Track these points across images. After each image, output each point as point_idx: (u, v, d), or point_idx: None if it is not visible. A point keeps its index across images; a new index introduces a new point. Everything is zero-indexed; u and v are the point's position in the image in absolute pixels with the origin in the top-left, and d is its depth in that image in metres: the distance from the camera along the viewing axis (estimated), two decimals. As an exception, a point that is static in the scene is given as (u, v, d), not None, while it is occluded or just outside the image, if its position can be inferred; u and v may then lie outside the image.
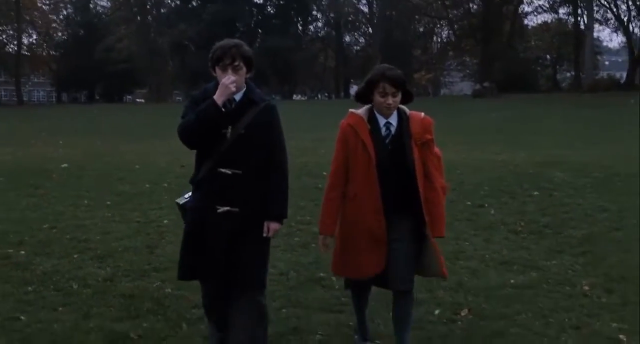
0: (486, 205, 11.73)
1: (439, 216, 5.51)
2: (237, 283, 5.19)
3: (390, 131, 5.50)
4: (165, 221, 10.39)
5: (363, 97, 5.56)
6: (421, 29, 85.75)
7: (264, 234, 5.24)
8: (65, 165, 17.39)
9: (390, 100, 5.39)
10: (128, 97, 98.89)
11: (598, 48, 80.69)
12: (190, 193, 5.43)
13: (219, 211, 5.08)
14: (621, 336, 5.97)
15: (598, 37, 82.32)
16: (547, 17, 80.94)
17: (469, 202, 11.73)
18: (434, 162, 5.57)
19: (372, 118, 5.51)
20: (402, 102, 5.52)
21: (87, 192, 13.41)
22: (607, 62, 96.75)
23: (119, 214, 11.32)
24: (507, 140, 22.79)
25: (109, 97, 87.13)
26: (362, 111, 5.56)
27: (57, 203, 12.34)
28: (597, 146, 20.32)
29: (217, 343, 5.47)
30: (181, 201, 5.54)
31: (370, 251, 5.39)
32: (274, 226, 5.26)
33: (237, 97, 5.16)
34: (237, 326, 5.21)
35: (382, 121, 5.50)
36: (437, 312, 6.60)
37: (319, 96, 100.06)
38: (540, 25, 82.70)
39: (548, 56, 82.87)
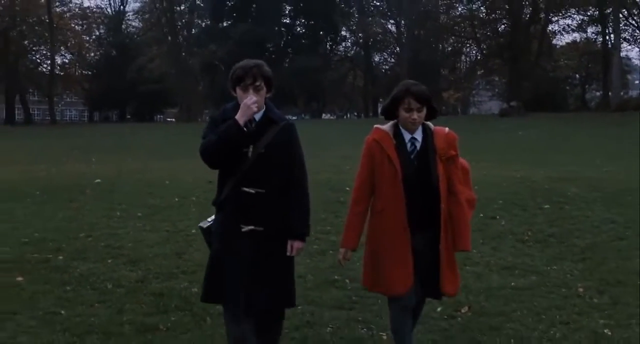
0: (497, 217, 12.24)
1: (463, 231, 5.56)
2: (267, 301, 5.20)
3: (415, 146, 5.55)
4: (193, 231, 11.00)
5: (389, 113, 5.62)
6: (449, 49, 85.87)
7: (288, 253, 5.30)
8: (98, 181, 18.07)
9: (415, 115, 5.45)
10: (159, 116, 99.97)
11: (628, 67, 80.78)
12: (212, 217, 5.48)
13: (243, 230, 5.13)
14: (606, 331, 6.54)
15: (627, 55, 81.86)
16: (576, 36, 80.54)
17: (481, 214, 12.22)
18: (458, 177, 5.60)
19: (397, 133, 5.57)
20: (427, 118, 5.58)
21: (119, 205, 14.05)
22: (637, 81, 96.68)
23: (149, 224, 11.98)
24: (529, 158, 23.23)
25: (140, 116, 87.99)
26: (387, 126, 5.63)
27: (91, 215, 13.00)
28: (615, 162, 20.76)
29: None
30: (205, 224, 5.55)
31: (397, 268, 5.41)
32: (297, 244, 5.31)
33: (257, 116, 5.23)
34: (267, 337, 5.37)
35: (407, 136, 5.55)
36: (439, 309, 7.18)
37: (348, 115, 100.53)
38: (569, 44, 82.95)
39: (577, 76, 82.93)
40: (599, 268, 8.88)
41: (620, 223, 11.46)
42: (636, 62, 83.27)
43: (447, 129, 5.64)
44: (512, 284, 8.17)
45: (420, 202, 5.42)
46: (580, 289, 7.87)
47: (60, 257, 9.53)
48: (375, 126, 5.68)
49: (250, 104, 5.04)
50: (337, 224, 10.90)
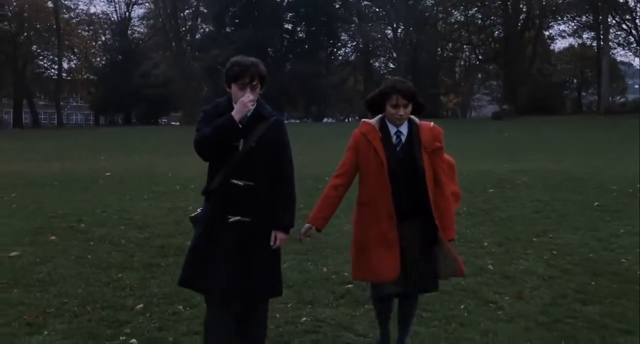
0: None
1: (448, 222, 5.71)
2: (253, 292, 5.36)
3: (400, 139, 5.70)
4: (190, 207, 13.26)
5: (374, 107, 5.80)
6: (446, 54, 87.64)
7: (271, 244, 5.44)
8: (108, 173, 20.41)
9: (401, 111, 5.61)
10: (164, 120, 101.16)
11: (623, 72, 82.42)
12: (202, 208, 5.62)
13: (230, 220, 5.26)
14: (489, 267, 8.86)
15: (627, 61, 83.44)
16: (573, 41, 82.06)
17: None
18: (444, 169, 5.75)
19: (383, 127, 5.72)
20: (414, 113, 5.76)
21: (128, 192, 16.35)
22: (637, 86, 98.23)
23: (154, 204, 14.29)
24: (502, 156, 25.47)
25: (145, 120, 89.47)
26: (374, 120, 5.78)
27: (104, 198, 15.30)
28: (580, 159, 22.99)
29: None
30: (194, 214, 5.71)
31: (385, 256, 5.52)
32: (280, 235, 5.44)
33: (249, 112, 5.34)
34: (245, 334, 5.52)
35: (393, 129, 5.72)
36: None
37: (349, 119, 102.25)
38: (566, 49, 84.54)
39: (575, 80, 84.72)
40: (507, 231, 11.22)
41: (545, 201, 13.77)
42: (637, 67, 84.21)
43: (432, 123, 5.83)
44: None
45: (406, 193, 5.57)
46: (485, 244, 10.20)
47: (82, 225, 11.84)
48: (363, 119, 5.90)
49: (247, 102, 5.19)
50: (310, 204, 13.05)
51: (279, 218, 5.44)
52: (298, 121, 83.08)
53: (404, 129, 5.71)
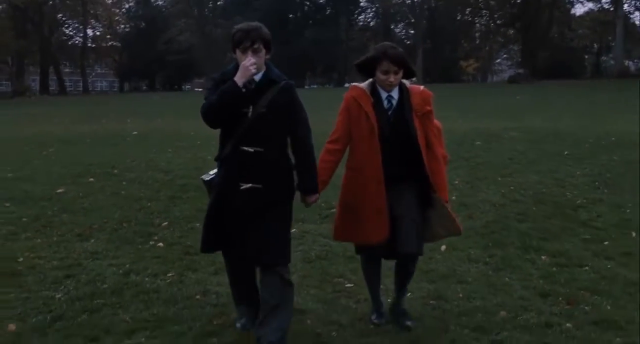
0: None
1: (441, 184, 5.75)
2: (263, 259, 5.36)
3: (392, 103, 5.70)
4: (208, 157, 15.08)
5: (364, 70, 5.81)
6: (465, 19, 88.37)
7: (305, 206, 5.67)
8: (135, 132, 22.23)
9: (392, 78, 5.61)
10: (187, 86, 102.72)
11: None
12: (215, 170, 5.66)
13: (242, 188, 5.24)
14: (453, 198, 10.60)
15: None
16: (592, 5, 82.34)
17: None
18: (434, 133, 5.77)
19: (374, 91, 5.71)
20: (404, 78, 5.78)
21: (154, 146, 18.16)
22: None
23: (177, 155, 16.08)
24: (505, 115, 26.77)
25: (169, 86, 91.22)
26: (364, 84, 5.77)
27: (132, 151, 17.09)
28: (578, 119, 24.34)
29: (248, 322, 5.78)
30: (207, 177, 5.76)
31: (373, 219, 5.60)
32: (310, 198, 5.55)
33: (257, 77, 5.30)
34: (266, 301, 5.39)
35: (384, 94, 5.70)
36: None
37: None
38: (587, 13, 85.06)
39: (596, 45, 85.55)
40: (478, 172, 12.96)
41: (521, 151, 15.42)
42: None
43: (422, 86, 5.85)
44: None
45: (396, 158, 5.60)
46: (456, 182, 11.89)
47: (115, 171, 13.71)
48: (352, 83, 5.91)
49: (248, 65, 5.13)
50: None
51: (302, 182, 5.48)
52: (316, 86, 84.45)
53: (395, 93, 5.73)
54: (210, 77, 5.66)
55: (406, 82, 5.81)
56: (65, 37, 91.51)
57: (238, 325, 5.80)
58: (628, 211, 9.93)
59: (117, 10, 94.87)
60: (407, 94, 5.72)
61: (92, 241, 8.57)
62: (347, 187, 5.82)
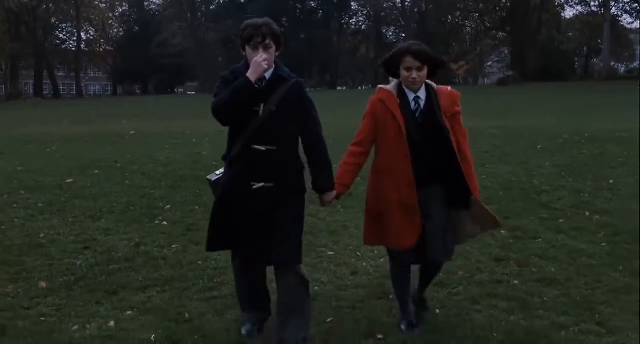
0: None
1: (474, 184, 5.67)
2: (276, 260, 5.25)
3: (419, 104, 5.56)
4: (204, 153, 16.15)
5: (390, 69, 5.66)
6: (454, 22, 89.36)
7: (321, 206, 5.63)
8: (133, 132, 23.23)
9: (414, 74, 5.46)
10: (180, 89, 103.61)
11: (635, 39, 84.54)
12: (221, 170, 5.55)
13: (254, 187, 5.14)
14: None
15: (638, 28, 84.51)
16: (582, 9, 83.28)
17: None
18: (463, 134, 5.69)
19: (401, 93, 5.58)
20: (430, 75, 5.62)
21: (151, 145, 19.16)
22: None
23: (174, 151, 17.10)
24: (489, 115, 27.72)
25: (162, 89, 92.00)
26: (391, 86, 5.64)
27: (132, 149, 18.09)
28: (557, 118, 25.38)
29: (253, 330, 5.66)
30: (213, 177, 5.66)
31: (404, 223, 5.46)
32: (327, 197, 5.46)
33: (267, 75, 5.20)
34: (283, 302, 5.31)
35: (411, 95, 5.57)
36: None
37: (362, 87, 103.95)
38: (577, 16, 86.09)
39: (586, 48, 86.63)
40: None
41: (498, 146, 16.50)
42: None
43: (449, 87, 5.72)
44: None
45: (425, 160, 5.45)
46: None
47: (119, 164, 14.72)
48: (379, 86, 5.76)
49: (260, 61, 5.03)
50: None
51: (317, 181, 5.40)
52: (313, 89, 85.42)
53: (422, 94, 5.58)
54: (220, 75, 5.44)
55: (433, 84, 5.66)
56: (59, 41, 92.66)
57: (243, 332, 5.72)
58: (586, 195, 10.97)
59: (111, 14, 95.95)
60: (435, 95, 5.58)
61: (103, 221, 9.60)
62: (374, 191, 5.68)
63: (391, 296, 6.35)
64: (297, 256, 5.26)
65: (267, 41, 5.11)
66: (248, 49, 5.17)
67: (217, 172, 5.62)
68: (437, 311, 6.23)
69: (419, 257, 5.58)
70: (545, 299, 6.46)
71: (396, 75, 5.59)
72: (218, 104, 5.08)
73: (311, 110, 5.33)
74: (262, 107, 5.11)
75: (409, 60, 5.42)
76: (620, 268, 7.34)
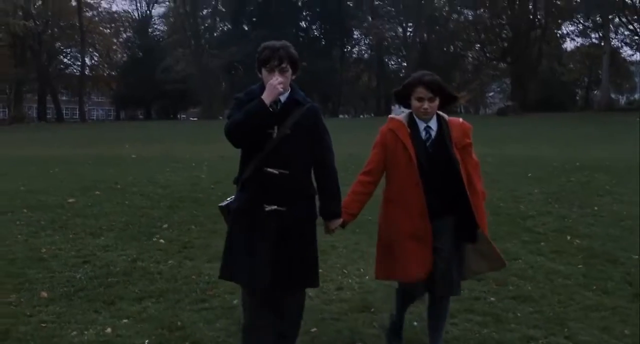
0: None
1: (482, 218, 5.59)
2: (292, 281, 5.23)
3: (430, 134, 5.53)
4: (202, 176, 16.54)
5: (401, 99, 5.66)
6: (456, 52, 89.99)
7: (326, 232, 5.58)
8: (134, 155, 23.65)
9: (426, 105, 5.45)
10: (182, 115, 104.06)
11: (634, 71, 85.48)
12: (232, 197, 5.49)
13: (266, 209, 5.11)
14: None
15: (638, 60, 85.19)
16: (583, 41, 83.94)
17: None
18: (474, 166, 5.66)
19: (412, 123, 5.56)
20: (443, 106, 5.60)
21: (152, 167, 19.54)
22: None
23: (175, 174, 17.46)
24: (487, 143, 27.61)
25: (165, 115, 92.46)
26: (402, 116, 5.61)
27: (133, 171, 18.46)
28: (548, 149, 25.76)
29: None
30: (223, 203, 5.58)
31: (416, 253, 5.40)
32: (333, 224, 5.49)
33: (282, 98, 5.20)
34: (288, 320, 5.44)
35: (422, 125, 5.54)
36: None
37: (364, 115, 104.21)
38: (577, 48, 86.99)
39: (587, 79, 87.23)
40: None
41: (490, 172, 16.46)
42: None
43: (461, 119, 5.68)
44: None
45: (435, 190, 5.40)
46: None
47: (119, 186, 15.07)
48: (390, 115, 5.74)
49: (276, 84, 5.03)
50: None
51: (326, 208, 5.42)
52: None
53: (433, 124, 5.55)
54: (234, 96, 5.41)
55: (445, 115, 5.65)
56: (63, 66, 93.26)
57: None
58: (570, 220, 11.37)
59: (115, 40, 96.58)
60: (446, 126, 5.55)
61: (103, 238, 10.03)
62: (386, 221, 5.64)
63: (372, 310, 6.76)
64: (315, 278, 5.42)
65: (284, 65, 5.16)
66: (264, 71, 5.21)
67: (228, 199, 5.54)
68: (415, 323, 6.58)
69: (425, 287, 5.55)
70: (519, 314, 6.89)
71: (407, 105, 5.61)
72: (232, 125, 5.08)
73: (324, 136, 5.35)
74: (276, 130, 5.11)
75: (420, 91, 5.43)
76: (594, 287, 7.79)
